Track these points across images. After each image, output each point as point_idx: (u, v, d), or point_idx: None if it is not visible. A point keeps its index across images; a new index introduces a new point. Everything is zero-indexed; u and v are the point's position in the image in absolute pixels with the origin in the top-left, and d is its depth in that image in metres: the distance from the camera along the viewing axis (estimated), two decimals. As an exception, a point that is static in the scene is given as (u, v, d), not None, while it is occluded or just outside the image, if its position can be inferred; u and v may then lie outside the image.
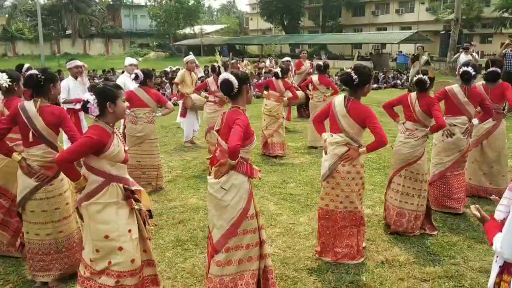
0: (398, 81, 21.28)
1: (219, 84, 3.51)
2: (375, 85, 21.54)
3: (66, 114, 3.90)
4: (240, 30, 63.56)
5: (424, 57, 12.63)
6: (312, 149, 8.90)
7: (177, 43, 52.27)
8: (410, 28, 41.93)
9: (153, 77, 6.49)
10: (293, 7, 47.56)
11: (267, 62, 25.00)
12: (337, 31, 49.45)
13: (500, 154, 5.93)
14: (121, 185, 3.28)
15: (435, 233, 4.93)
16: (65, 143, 5.79)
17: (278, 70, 8.41)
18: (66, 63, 7.32)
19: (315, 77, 9.14)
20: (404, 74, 22.44)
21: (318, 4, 50.49)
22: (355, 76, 3.99)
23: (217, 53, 7.26)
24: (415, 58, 12.50)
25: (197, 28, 52.57)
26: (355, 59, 4.35)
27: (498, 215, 2.33)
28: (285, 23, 50.39)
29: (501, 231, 2.25)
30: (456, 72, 5.53)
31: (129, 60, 8.39)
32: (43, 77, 3.83)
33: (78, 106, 6.95)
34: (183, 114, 9.00)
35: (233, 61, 9.69)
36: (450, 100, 5.39)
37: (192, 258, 4.48)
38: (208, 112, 7.83)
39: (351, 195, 4.20)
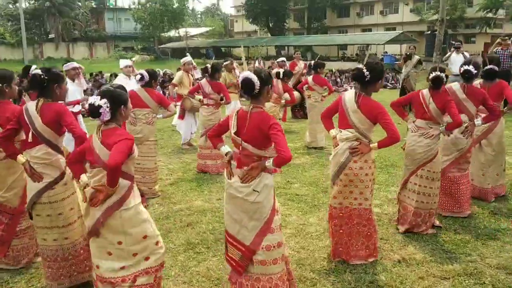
0: (387, 82, 21.41)
1: (239, 82, 3.42)
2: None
3: (66, 109, 3.77)
4: (225, 33, 63.48)
5: (416, 57, 12.67)
6: (311, 149, 8.87)
7: (162, 46, 51.96)
8: (394, 29, 42.37)
9: (158, 78, 6.35)
10: (278, 9, 47.73)
11: (256, 63, 25.04)
12: (322, 32, 49.72)
13: (498, 153, 5.87)
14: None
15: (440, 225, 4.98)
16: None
17: (280, 70, 8.33)
18: (63, 66, 7.16)
19: (310, 78, 9.12)
20: (389, 74, 22.54)
21: (303, 5, 50.71)
22: (367, 73, 3.95)
23: (241, 48, 7.07)
24: (408, 57, 12.52)
25: (182, 31, 52.31)
26: (366, 60, 4.27)
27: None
28: (271, 25, 50.51)
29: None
30: (459, 71, 5.41)
31: (124, 62, 8.24)
32: (46, 77, 3.73)
33: (76, 108, 6.81)
34: (181, 116, 8.86)
35: (227, 62, 9.56)
36: None
37: (205, 261, 4.38)
38: (204, 115, 7.48)
39: (365, 191, 4.15)
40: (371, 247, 4.26)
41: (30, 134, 3.64)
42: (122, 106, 3.15)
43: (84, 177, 3.24)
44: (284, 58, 12.04)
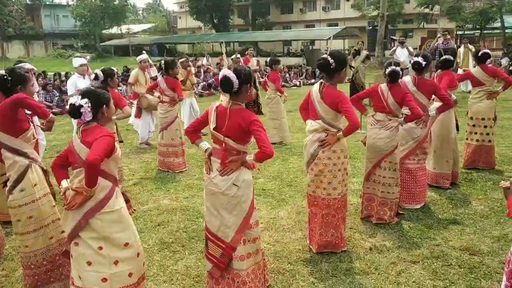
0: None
1: (219, 81, 3.44)
2: (313, 80, 22.14)
3: (24, 96, 3.61)
4: (169, 29, 62.57)
5: (364, 52, 13.11)
6: (273, 144, 8.96)
7: (104, 43, 50.49)
8: (337, 25, 43.43)
9: (115, 76, 6.21)
10: (222, 5, 47.55)
11: (204, 60, 24.93)
12: (266, 28, 50.10)
13: (444, 140, 6.09)
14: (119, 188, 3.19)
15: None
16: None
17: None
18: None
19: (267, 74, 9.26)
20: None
21: (247, 2, 50.90)
22: (331, 61, 4.05)
23: (223, 45, 7.04)
24: (356, 53, 12.94)
25: (124, 28, 51.07)
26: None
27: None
28: (215, 21, 50.27)
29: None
30: (409, 64, 5.74)
31: (78, 61, 7.96)
32: (9, 78, 3.60)
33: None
34: (138, 115, 8.69)
35: (182, 60, 9.49)
36: None
37: (182, 260, 4.37)
38: (160, 113, 7.45)
39: (334, 181, 4.25)
40: (340, 238, 4.39)
41: None
42: (104, 106, 3.09)
43: (64, 182, 3.12)
44: (239, 55, 12.10)
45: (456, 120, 6.25)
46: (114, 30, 52.02)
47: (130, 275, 3.03)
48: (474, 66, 7.03)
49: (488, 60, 6.85)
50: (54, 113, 8.29)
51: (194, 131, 3.69)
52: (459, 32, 29.63)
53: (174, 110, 7.35)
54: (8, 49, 49.14)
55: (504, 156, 7.53)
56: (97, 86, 3.31)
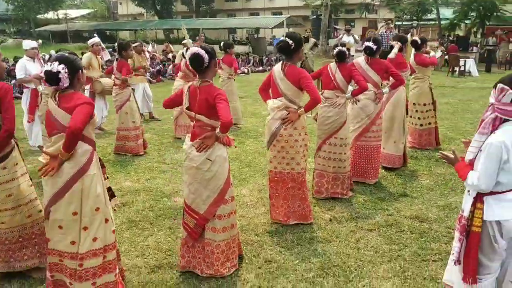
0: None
1: (188, 59, 3.57)
2: (260, 68, 22.42)
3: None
4: (109, 15, 60.61)
5: (312, 40, 13.54)
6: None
7: (39, 29, 48.16)
8: (281, 13, 43.79)
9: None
10: (165, -9, 46.69)
11: (149, 47, 24.50)
12: (211, 16, 49.69)
13: (395, 121, 6.39)
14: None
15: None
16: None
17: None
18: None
19: (221, 57, 9.38)
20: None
21: (190, -12, 50.18)
22: (291, 42, 4.34)
23: (183, 26, 7.13)
24: (305, 40, 13.31)
25: (61, 13, 48.91)
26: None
27: (468, 156, 2.80)
28: (158, 8, 49.26)
29: (471, 170, 2.74)
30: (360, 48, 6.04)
31: (29, 44, 7.69)
32: None
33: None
34: (91, 100, 8.56)
35: (136, 44, 9.42)
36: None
37: (152, 236, 4.49)
38: (113, 96, 7.49)
39: (296, 156, 4.50)
40: (307, 209, 4.68)
41: None
42: (80, 71, 3.12)
43: (40, 158, 3.12)
44: (190, 40, 12.06)
45: (407, 104, 6.63)
46: (50, 15, 49.67)
47: (94, 240, 3.08)
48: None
49: (424, 49, 7.29)
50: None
51: (171, 106, 3.99)
52: (398, 23, 30.82)
53: (124, 93, 7.33)
54: None
55: (444, 136, 8.15)
56: (69, 52, 3.32)
